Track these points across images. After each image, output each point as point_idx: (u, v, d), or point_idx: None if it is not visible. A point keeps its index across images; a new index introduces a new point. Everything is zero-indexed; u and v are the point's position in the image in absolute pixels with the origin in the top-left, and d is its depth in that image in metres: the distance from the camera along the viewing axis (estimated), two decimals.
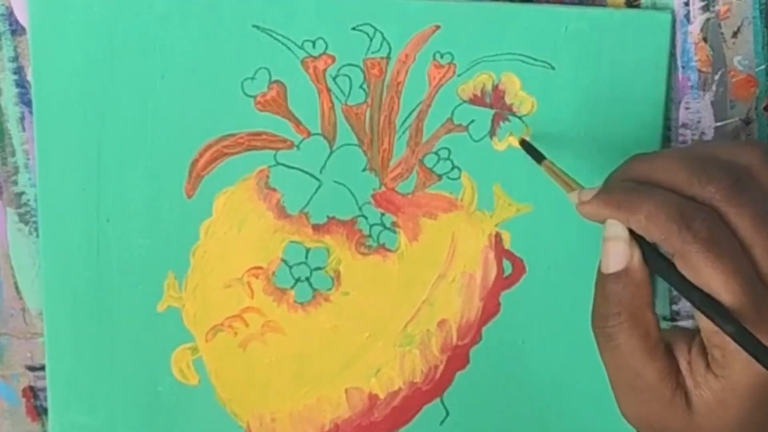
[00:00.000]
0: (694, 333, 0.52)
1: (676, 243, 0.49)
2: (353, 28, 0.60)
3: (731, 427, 0.51)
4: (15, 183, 0.63)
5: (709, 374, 0.51)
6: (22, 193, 0.63)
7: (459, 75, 0.60)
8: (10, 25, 0.61)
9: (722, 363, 0.50)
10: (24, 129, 0.62)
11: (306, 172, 0.62)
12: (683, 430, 0.52)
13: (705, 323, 0.50)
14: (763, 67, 0.60)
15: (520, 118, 0.61)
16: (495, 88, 0.61)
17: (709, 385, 0.51)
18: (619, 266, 0.52)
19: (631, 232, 0.51)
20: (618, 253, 0.51)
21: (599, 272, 0.53)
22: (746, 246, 0.50)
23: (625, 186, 0.52)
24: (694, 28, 0.60)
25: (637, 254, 0.51)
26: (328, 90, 0.61)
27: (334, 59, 0.60)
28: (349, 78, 0.60)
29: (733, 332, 0.48)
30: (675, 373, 0.52)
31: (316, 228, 0.62)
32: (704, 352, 0.51)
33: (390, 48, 0.60)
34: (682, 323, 0.63)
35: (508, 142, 0.61)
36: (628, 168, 0.54)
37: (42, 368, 0.65)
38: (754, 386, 0.50)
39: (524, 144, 0.59)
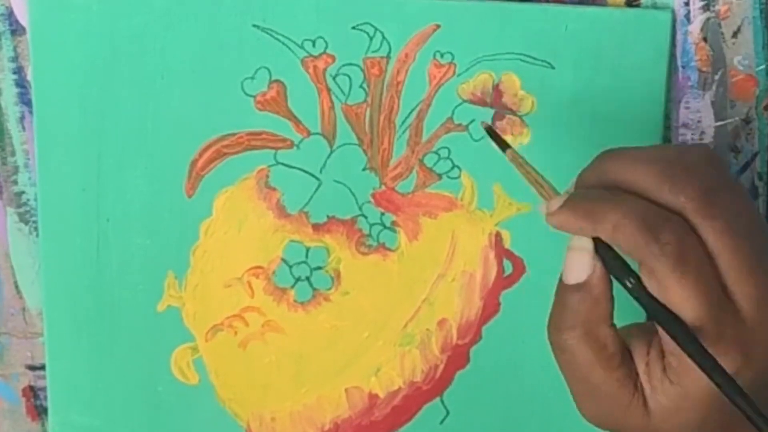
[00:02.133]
0: (653, 330, 0.51)
1: (643, 255, 0.49)
2: (353, 28, 0.60)
3: (688, 430, 0.51)
4: (15, 182, 0.63)
5: (665, 379, 0.50)
6: (22, 192, 0.63)
7: (459, 74, 0.60)
8: (10, 24, 0.61)
9: (678, 371, 0.50)
10: (24, 129, 0.62)
11: (306, 172, 0.62)
12: (643, 430, 0.51)
13: (662, 332, 0.50)
14: (763, 66, 0.60)
15: (520, 117, 0.61)
16: (495, 87, 0.61)
17: (665, 391, 0.50)
18: (579, 278, 0.51)
19: (598, 240, 0.50)
20: (580, 265, 0.50)
21: (560, 281, 0.52)
22: (714, 257, 0.49)
23: (591, 194, 0.51)
24: (694, 28, 0.60)
25: (598, 267, 0.50)
26: (328, 89, 0.61)
27: (334, 59, 0.60)
28: (349, 77, 0.60)
29: (692, 351, 0.48)
30: (633, 378, 0.51)
31: (316, 227, 0.62)
32: (662, 355, 0.51)
33: (390, 47, 0.60)
34: None
35: (508, 141, 0.61)
36: (596, 167, 0.52)
37: (42, 368, 0.65)
38: (708, 396, 0.49)
39: (489, 130, 0.59)
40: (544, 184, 0.53)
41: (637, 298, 0.50)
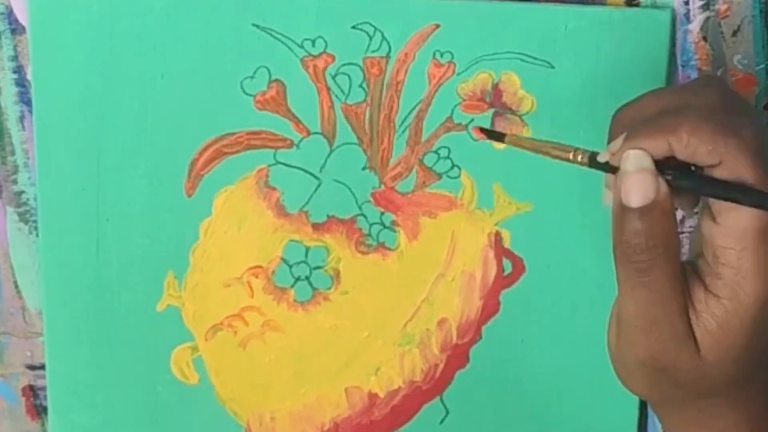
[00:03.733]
0: (682, 263, 0.51)
1: (722, 150, 0.48)
2: (353, 27, 0.60)
3: (736, 358, 0.50)
4: (15, 182, 0.63)
5: (709, 298, 0.50)
6: (22, 192, 0.63)
7: (459, 74, 0.60)
8: (10, 24, 0.61)
9: (730, 283, 0.49)
10: (24, 128, 0.62)
11: (306, 171, 0.62)
12: (691, 370, 0.50)
13: (716, 240, 0.49)
14: (762, 66, 0.60)
15: (519, 116, 0.61)
16: (495, 86, 0.61)
17: (709, 310, 0.50)
18: (647, 199, 0.49)
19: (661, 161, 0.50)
20: (645, 186, 0.49)
21: (621, 207, 0.50)
22: None
23: (654, 116, 0.50)
24: (694, 27, 0.60)
25: (663, 184, 0.49)
26: (328, 89, 0.61)
27: (333, 58, 0.60)
28: (349, 77, 0.60)
29: None
30: (687, 309, 0.50)
31: (316, 227, 0.62)
32: (700, 279, 0.50)
33: (390, 47, 0.60)
34: None
35: None
36: (617, 120, 0.53)
37: (42, 367, 0.65)
38: (755, 304, 0.49)
39: (483, 131, 0.59)
40: (559, 145, 0.53)
41: (713, 191, 0.49)
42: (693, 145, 0.49)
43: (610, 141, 0.53)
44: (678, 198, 0.51)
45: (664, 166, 0.49)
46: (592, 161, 0.52)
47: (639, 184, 0.49)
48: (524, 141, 0.55)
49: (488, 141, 0.60)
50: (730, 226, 0.49)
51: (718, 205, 0.49)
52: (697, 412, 0.53)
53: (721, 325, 0.50)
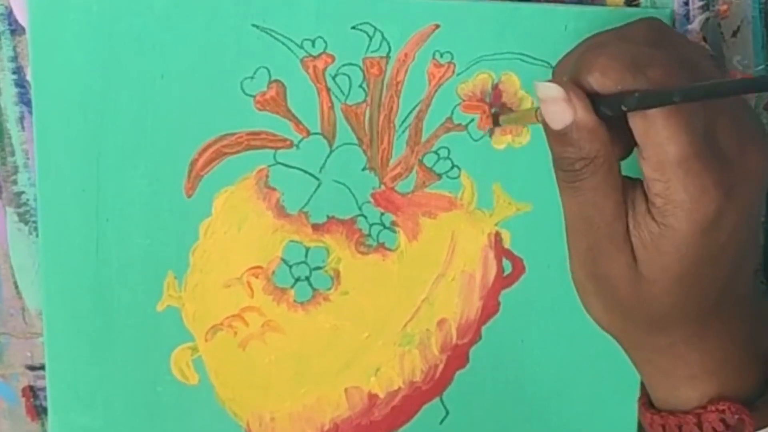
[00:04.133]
0: (636, 182, 0.53)
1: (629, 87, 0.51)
2: (353, 28, 0.60)
3: (675, 284, 0.52)
4: (14, 182, 0.63)
5: (648, 218, 0.52)
6: (22, 192, 0.63)
7: (458, 74, 0.60)
8: (10, 24, 0.61)
9: (663, 211, 0.51)
10: (23, 128, 0.62)
11: (305, 172, 0.62)
12: (629, 284, 0.53)
13: (645, 172, 0.51)
14: (762, 66, 0.61)
15: None
16: (495, 87, 0.61)
17: (648, 228, 0.52)
18: (565, 120, 0.52)
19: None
20: (560, 111, 0.52)
21: (546, 129, 0.53)
22: None
23: (574, 52, 0.54)
24: (694, 28, 0.60)
25: (581, 107, 0.51)
26: (328, 89, 0.61)
27: (333, 58, 0.60)
28: (349, 77, 0.60)
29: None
30: (624, 222, 0.52)
31: (316, 227, 0.62)
32: (645, 198, 0.52)
33: (389, 47, 0.60)
34: None
35: (507, 141, 0.61)
36: (558, 67, 0.56)
37: (42, 368, 0.65)
38: (693, 236, 0.51)
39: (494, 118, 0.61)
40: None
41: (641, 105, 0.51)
42: (605, 85, 0.51)
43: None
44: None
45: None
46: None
47: (552, 110, 0.52)
48: (512, 117, 0.59)
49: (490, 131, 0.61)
50: (654, 159, 0.51)
51: (644, 138, 0.51)
52: (658, 355, 0.54)
53: (654, 242, 0.52)
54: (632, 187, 0.53)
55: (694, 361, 0.54)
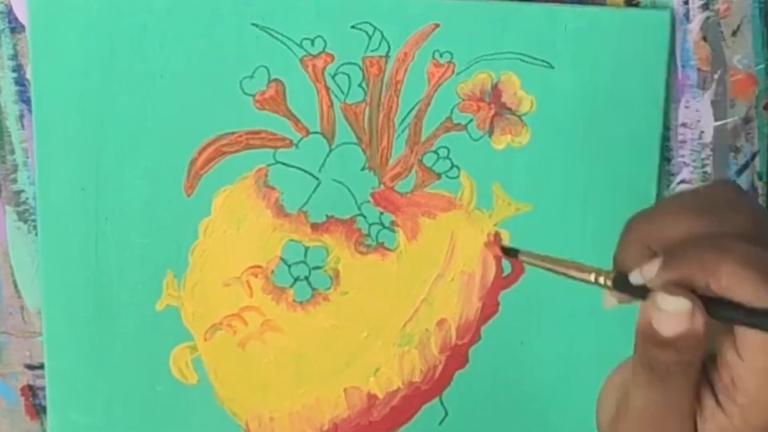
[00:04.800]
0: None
1: (764, 302, 0.46)
2: (352, 27, 0.60)
3: None
4: (14, 181, 0.63)
5: (719, 413, 0.48)
6: (21, 191, 0.63)
7: (458, 74, 0.60)
8: (10, 23, 0.61)
9: (745, 408, 0.48)
10: (23, 127, 0.62)
11: (305, 171, 0.62)
12: None
13: (738, 370, 0.47)
14: (762, 66, 0.60)
15: (519, 117, 0.61)
16: (494, 86, 0.61)
17: (717, 423, 0.48)
18: (679, 329, 0.47)
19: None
20: (680, 322, 0.47)
21: (650, 327, 0.48)
22: None
23: (689, 246, 0.47)
24: (694, 27, 0.60)
25: (699, 317, 0.47)
26: (327, 88, 0.61)
27: (333, 58, 0.60)
28: (348, 76, 0.60)
29: None
30: (696, 413, 0.49)
31: (315, 227, 0.62)
32: (711, 388, 0.49)
33: (389, 46, 0.60)
34: None
35: (507, 141, 0.61)
36: (633, 233, 0.50)
37: (41, 367, 0.65)
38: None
39: (500, 248, 0.60)
40: (578, 265, 0.51)
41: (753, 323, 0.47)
42: (732, 290, 0.46)
43: (622, 251, 0.50)
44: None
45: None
46: (617, 284, 0.50)
47: (674, 320, 0.47)
48: (538, 259, 0.53)
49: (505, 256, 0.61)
50: (756, 365, 0.47)
51: (745, 341, 0.47)
52: None
53: None
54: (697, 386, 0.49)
55: None
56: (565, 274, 0.51)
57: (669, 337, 0.47)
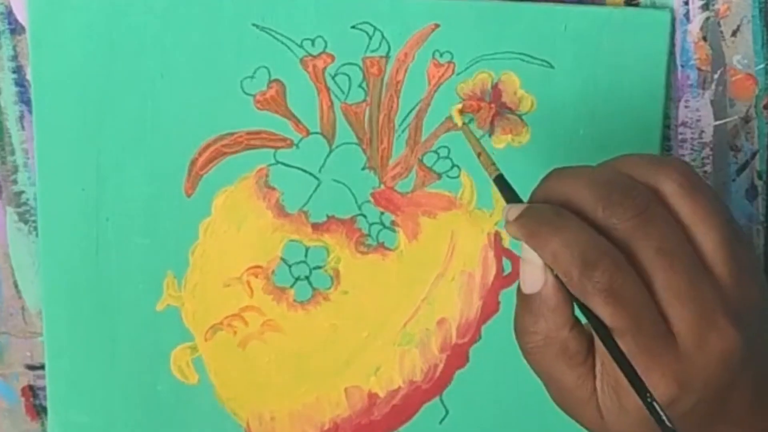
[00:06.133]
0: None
1: (576, 290, 0.49)
2: (352, 27, 0.60)
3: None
4: (14, 182, 0.63)
5: (608, 386, 0.51)
6: (22, 192, 0.63)
7: (458, 74, 0.60)
8: (10, 23, 0.61)
9: (615, 387, 0.50)
10: (23, 128, 0.62)
11: (305, 171, 0.62)
12: (596, 427, 0.52)
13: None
14: (762, 65, 0.61)
15: (519, 116, 0.61)
16: (494, 86, 0.61)
17: (610, 396, 0.51)
18: (534, 288, 0.51)
19: None
20: (533, 276, 0.51)
21: (518, 287, 0.52)
22: (647, 279, 0.49)
23: (541, 213, 0.51)
24: (694, 27, 0.60)
25: (551, 278, 0.50)
26: (328, 89, 0.61)
27: (333, 58, 0.60)
28: (349, 77, 0.60)
29: (623, 371, 0.49)
30: (593, 377, 0.51)
31: (316, 227, 0.62)
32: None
33: (389, 47, 0.60)
34: None
35: (507, 140, 0.61)
36: (544, 184, 0.53)
37: (41, 367, 0.65)
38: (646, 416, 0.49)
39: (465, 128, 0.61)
40: (487, 155, 0.57)
41: (590, 320, 0.50)
42: (555, 269, 0.50)
43: (537, 189, 0.53)
44: None
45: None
46: (497, 182, 0.55)
47: (526, 273, 0.51)
48: (470, 136, 0.58)
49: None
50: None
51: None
52: None
53: (617, 410, 0.51)
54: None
55: None
56: (478, 157, 0.57)
57: (530, 293, 0.51)
